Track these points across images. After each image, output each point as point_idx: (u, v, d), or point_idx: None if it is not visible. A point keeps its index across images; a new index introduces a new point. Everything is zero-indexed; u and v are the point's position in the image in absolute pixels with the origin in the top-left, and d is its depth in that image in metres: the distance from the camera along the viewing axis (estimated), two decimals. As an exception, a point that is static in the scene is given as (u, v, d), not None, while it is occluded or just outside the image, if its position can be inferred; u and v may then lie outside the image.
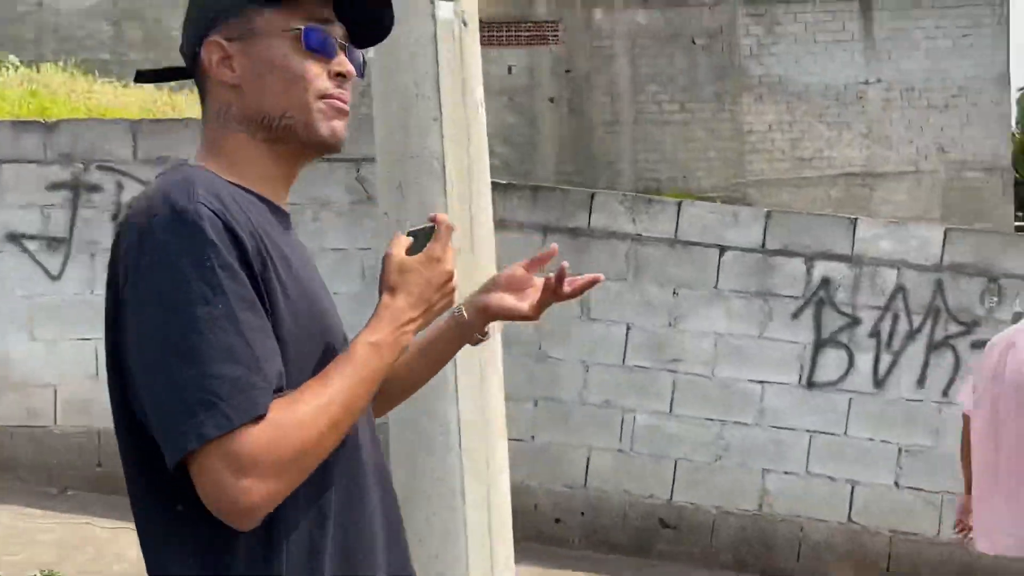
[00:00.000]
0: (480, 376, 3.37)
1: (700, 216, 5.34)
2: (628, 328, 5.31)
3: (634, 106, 14.30)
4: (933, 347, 5.05)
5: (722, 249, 5.26)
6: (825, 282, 5.18)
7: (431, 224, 1.22)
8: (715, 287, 5.26)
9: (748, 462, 5.20)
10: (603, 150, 14.40)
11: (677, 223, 5.30)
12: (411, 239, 1.22)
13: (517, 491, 4.39)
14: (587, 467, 5.31)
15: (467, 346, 3.15)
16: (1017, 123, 17.27)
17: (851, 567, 5.11)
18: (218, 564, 1.05)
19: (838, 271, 5.18)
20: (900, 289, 5.13)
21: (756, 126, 14.50)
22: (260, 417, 0.99)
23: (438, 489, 3.31)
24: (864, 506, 5.12)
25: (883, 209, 14.19)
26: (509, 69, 14.12)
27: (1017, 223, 14.82)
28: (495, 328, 1.45)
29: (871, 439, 5.11)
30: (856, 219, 5.29)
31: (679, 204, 5.43)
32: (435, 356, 1.47)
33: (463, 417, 3.31)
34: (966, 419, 3.75)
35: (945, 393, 5.02)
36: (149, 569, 1.10)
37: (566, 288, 1.37)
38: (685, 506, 5.22)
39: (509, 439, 3.77)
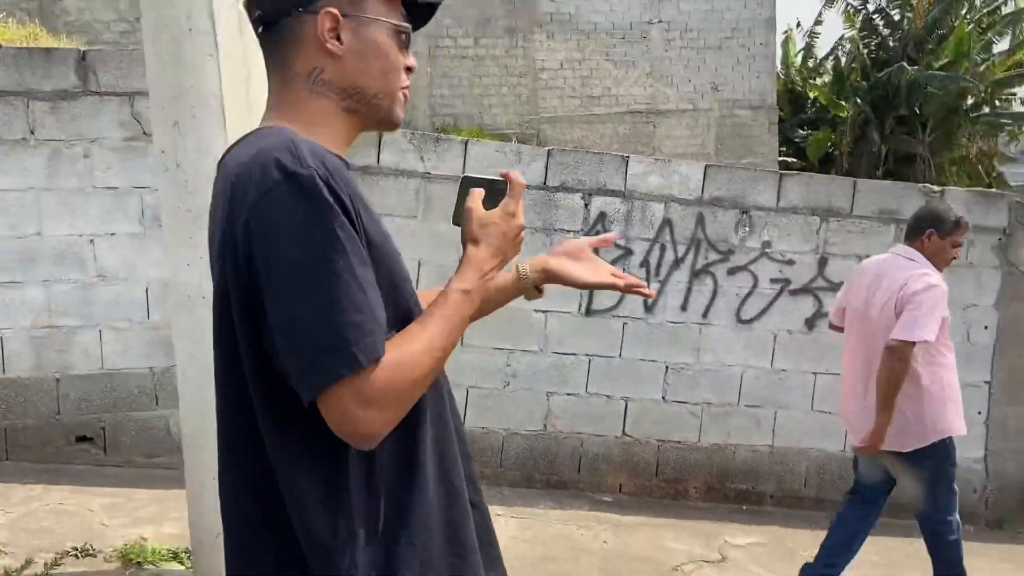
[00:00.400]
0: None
1: (486, 154, 5.52)
2: (420, 263, 5.44)
3: (429, 40, 14.26)
4: (695, 274, 5.51)
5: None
6: (602, 216, 5.51)
7: (497, 178, 1.39)
8: (501, 222, 5.51)
9: (534, 386, 5.51)
10: (398, 84, 14.30)
11: (464, 161, 5.48)
12: (483, 191, 1.37)
13: (312, 426, 4.52)
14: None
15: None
16: (782, 63, 18.59)
17: (627, 475, 5.62)
18: (333, 473, 1.23)
19: (613, 206, 5.52)
20: (667, 222, 5.53)
21: (548, 63, 14.84)
22: (379, 358, 1.16)
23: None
24: (636, 420, 5.57)
25: (666, 144, 15.02)
26: (296, -4, 13.65)
27: (781, 158, 16.14)
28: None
29: (642, 359, 5.54)
30: (628, 157, 5.62)
31: (465, 143, 5.58)
32: (491, 306, 1.65)
33: (251, 354, 3.39)
34: (834, 330, 4.32)
35: (704, 315, 5.55)
36: (281, 480, 1.24)
37: (620, 283, 1.62)
38: (477, 430, 5.48)
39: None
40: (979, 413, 5.69)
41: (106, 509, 4.41)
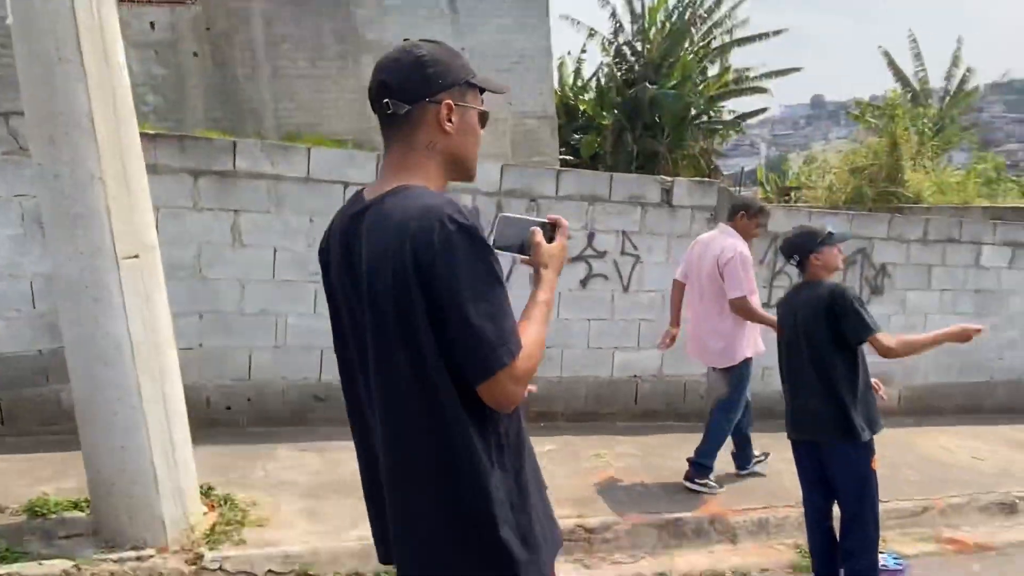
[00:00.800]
0: (145, 297, 3.30)
1: (326, 158, 5.43)
2: (275, 250, 5.32)
3: (271, 62, 13.64)
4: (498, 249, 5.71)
5: (345, 184, 5.42)
6: (423, 206, 5.58)
7: (541, 219, 1.57)
8: (341, 214, 5.44)
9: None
10: (247, 99, 13.63)
11: (308, 165, 5.37)
12: (539, 230, 1.55)
13: (191, 389, 4.35)
14: (250, 364, 5.32)
15: (130, 272, 3.19)
16: (559, 83, 19.11)
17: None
18: (485, 425, 1.40)
19: (431, 198, 5.61)
20: (475, 209, 5.69)
21: (376, 82, 14.56)
22: (520, 351, 1.37)
23: (118, 393, 3.24)
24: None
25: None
26: (152, 25, 12.69)
27: (561, 157, 16.67)
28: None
29: (460, 317, 5.68)
30: (441, 159, 5.71)
31: (308, 149, 5.47)
32: None
33: (133, 333, 3.24)
34: (676, 283, 4.91)
35: (507, 279, 5.70)
36: (453, 428, 1.38)
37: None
38: (331, 382, 5.41)
39: (180, 348, 3.72)
40: (704, 341, 6.23)
41: (9, 473, 4.07)
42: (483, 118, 1.54)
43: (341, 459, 4.72)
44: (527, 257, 1.55)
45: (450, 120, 1.48)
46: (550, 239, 1.56)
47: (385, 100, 1.46)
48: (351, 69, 14.40)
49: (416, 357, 1.36)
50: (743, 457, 4.95)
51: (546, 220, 1.57)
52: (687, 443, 4.85)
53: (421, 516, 1.42)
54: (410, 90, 1.46)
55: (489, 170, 5.72)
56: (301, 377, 5.40)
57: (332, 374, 5.43)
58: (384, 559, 1.58)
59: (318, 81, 14.13)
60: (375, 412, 1.45)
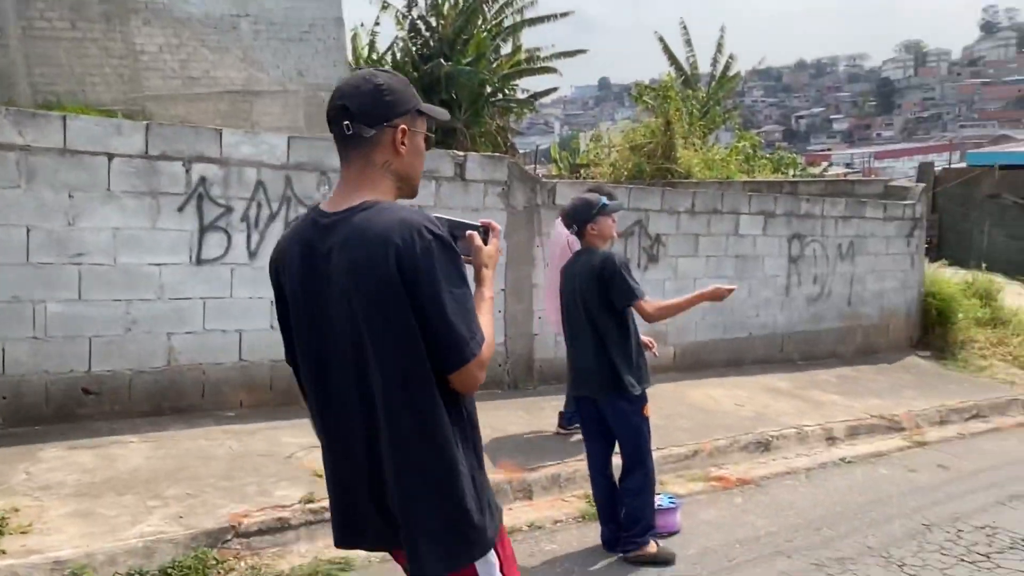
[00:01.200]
0: None
1: (86, 128, 4.91)
2: (28, 230, 4.75)
3: (23, 21, 12.01)
4: (288, 225, 5.51)
5: (110, 156, 4.95)
6: (203, 180, 5.22)
7: (474, 223, 1.75)
8: (108, 189, 4.95)
9: (155, 329, 5.13)
10: (-8, 63, 11.93)
11: (65, 135, 4.83)
12: (476, 233, 1.75)
13: (-74, 391, 3.79)
14: (3, 358, 4.73)
15: None
16: (353, 56, 18.64)
17: (246, 393, 5.50)
18: (456, 409, 1.63)
19: (211, 171, 5.24)
20: (260, 183, 5.40)
21: (148, 47, 13.34)
22: (483, 342, 1.59)
23: None
24: (250, 347, 5.44)
25: (264, 120, 14.36)
26: None
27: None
28: None
29: (250, 297, 5.40)
30: (221, 129, 5.38)
31: (64, 117, 4.90)
32: None
33: None
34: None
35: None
36: (430, 415, 1.58)
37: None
38: (103, 374, 4.98)
39: (-91, 345, 3.24)
40: (499, 311, 6.47)
41: None
42: (428, 141, 1.76)
43: (118, 454, 4.36)
44: (468, 257, 1.73)
45: (403, 143, 1.66)
46: (484, 242, 1.76)
47: (346, 122, 1.64)
48: (118, 32, 13.07)
49: (404, 352, 1.55)
50: (570, 418, 5.26)
51: (479, 224, 1.76)
52: (490, 411, 5.03)
53: (411, 489, 1.61)
54: (370, 115, 1.64)
55: (274, 143, 5.50)
56: (67, 369, 4.89)
57: (104, 365, 4.99)
58: (340, 543, 1.73)
59: (79, 44, 12.69)
60: (352, 405, 1.63)
